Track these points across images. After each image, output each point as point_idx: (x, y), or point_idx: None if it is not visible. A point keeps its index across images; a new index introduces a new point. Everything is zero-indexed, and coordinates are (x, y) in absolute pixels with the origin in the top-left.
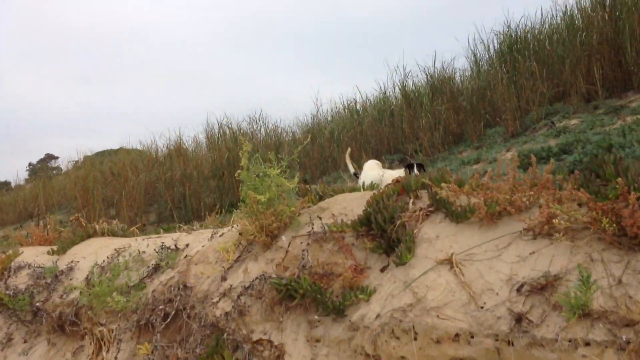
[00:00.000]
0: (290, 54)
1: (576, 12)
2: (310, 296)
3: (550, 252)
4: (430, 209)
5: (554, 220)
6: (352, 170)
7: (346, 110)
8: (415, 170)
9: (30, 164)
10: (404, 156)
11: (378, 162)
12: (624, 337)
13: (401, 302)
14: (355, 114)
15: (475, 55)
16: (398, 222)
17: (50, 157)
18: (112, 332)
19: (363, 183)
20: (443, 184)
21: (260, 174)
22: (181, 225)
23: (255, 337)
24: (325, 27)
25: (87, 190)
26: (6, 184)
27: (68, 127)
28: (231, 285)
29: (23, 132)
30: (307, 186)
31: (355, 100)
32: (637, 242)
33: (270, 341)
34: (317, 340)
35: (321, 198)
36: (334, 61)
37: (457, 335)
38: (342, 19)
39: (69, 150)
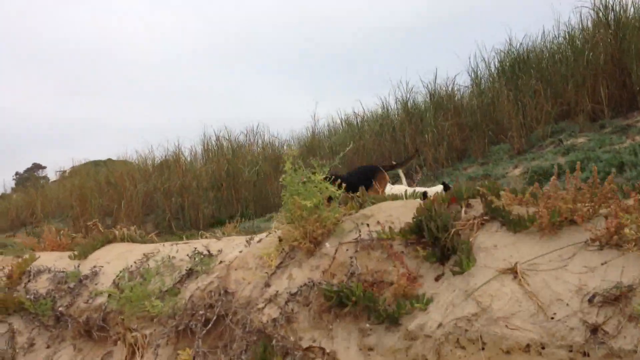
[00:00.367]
0: (284, 71)
1: (578, 32)
2: (362, 304)
3: (620, 263)
4: (485, 217)
5: (624, 231)
6: None
7: (344, 124)
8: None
9: (17, 173)
10: (407, 171)
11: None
12: None
13: (464, 311)
14: (357, 127)
15: (476, 72)
16: (452, 231)
17: (37, 167)
18: (146, 337)
19: (406, 191)
20: (502, 192)
21: (304, 179)
22: (180, 233)
23: (304, 344)
24: (319, 44)
25: (85, 199)
26: None
27: (55, 138)
28: (277, 292)
29: (9, 143)
30: (350, 194)
31: (356, 114)
32: None
33: (321, 348)
34: (370, 349)
35: (361, 206)
36: (329, 78)
37: (527, 345)
38: (336, 36)
39: (56, 161)
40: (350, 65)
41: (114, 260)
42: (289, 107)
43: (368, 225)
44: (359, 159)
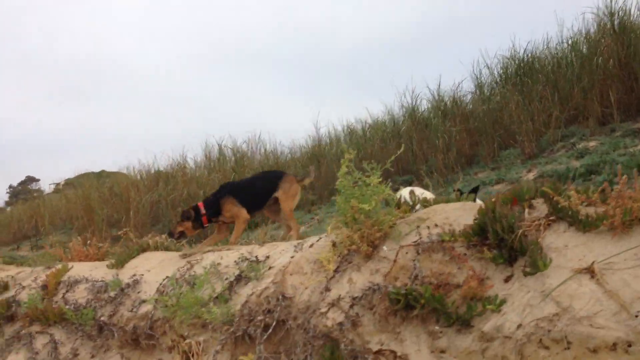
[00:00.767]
0: (284, 79)
1: (582, 38)
2: (430, 306)
3: None
4: (551, 218)
5: None
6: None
7: (345, 131)
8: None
9: (10, 186)
10: (414, 178)
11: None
12: None
13: (544, 311)
14: (362, 135)
15: (479, 79)
16: (519, 232)
17: (31, 180)
18: (200, 344)
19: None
20: (571, 192)
21: (360, 182)
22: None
23: (372, 347)
24: (321, 52)
25: (91, 210)
26: None
27: (48, 149)
28: (339, 296)
29: (2, 155)
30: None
31: (363, 121)
32: None
33: (392, 351)
34: (442, 351)
35: (412, 208)
36: (331, 86)
37: (614, 344)
38: (338, 44)
39: (50, 173)
40: (352, 73)
41: (154, 268)
42: (290, 115)
43: (429, 227)
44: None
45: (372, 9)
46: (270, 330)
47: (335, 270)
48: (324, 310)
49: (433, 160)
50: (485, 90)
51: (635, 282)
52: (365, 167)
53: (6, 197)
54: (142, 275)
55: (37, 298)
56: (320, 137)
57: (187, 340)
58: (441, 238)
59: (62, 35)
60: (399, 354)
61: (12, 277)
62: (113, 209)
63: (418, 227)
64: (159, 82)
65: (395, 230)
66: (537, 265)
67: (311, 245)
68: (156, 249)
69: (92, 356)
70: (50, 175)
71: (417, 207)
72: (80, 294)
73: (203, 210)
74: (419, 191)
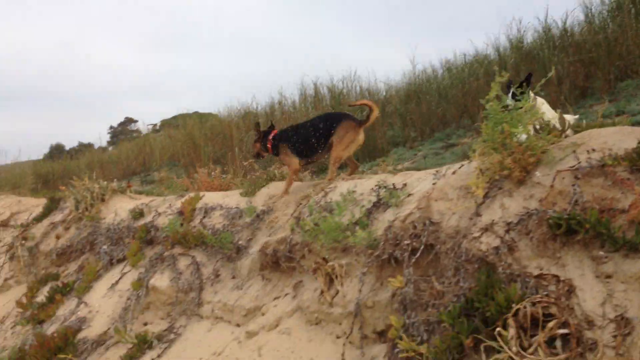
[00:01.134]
0: (372, 17)
1: None
2: (595, 231)
3: None
4: None
5: None
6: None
7: (444, 66)
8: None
9: (111, 127)
10: None
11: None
12: None
13: None
14: (462, 70)
15: (589, 8)
16: None
17: (129, 121)
18: (343, 267)
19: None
20: None
21: (510, 107)
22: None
23: (532, 272)
24: None
25: (196, 147)
26: (89, 145)
27: (145, 92)
28: (492, 220)
29: (103, 98)
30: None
31: (463, 56)
32: None
33: (555, 276)
34: (609, 277)
35: (561, 133)
36: (428, 21)
37: None
38: None
39: (146, 114)
40: (452, 5)
41: (287, 196)
42: (386, 53)
43: (587, 152)
44: (472, 101)
45: None
46: (417, 254)
47: (485, 196)
48: (476, 234)
49: (544, 93)
50: (597, 20)
51: None
52: (515, 92)
53: (107, 138)
54: (275, 202)
55: (176, 223)
56: (416, 73)
57: (330, 263)
58: (602, 162)
59: None
60: (562, 278)
61: (146, 204)
62: (216, 147)
63: (574, 151)
64: (254, 27)
65: (549, 155)
66: None
67: (454, 172)
68: (282, 179)
69: (233, 277)
70: (147, 117)
71: (568, 132)
72: (217, 220)
73: (270, 138)
74: (569, 117)
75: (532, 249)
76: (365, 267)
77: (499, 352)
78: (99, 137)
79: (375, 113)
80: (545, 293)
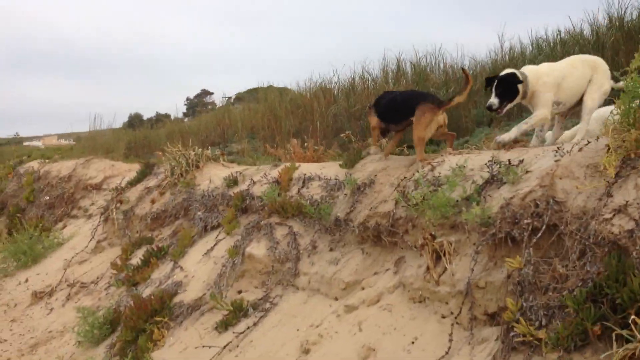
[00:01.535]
0: None
1: None
2: None
3: None
4: None
5: None
6: None
7: (534, 44)
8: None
9: (187, 99)
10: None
11: None
12: None
13: None
14: (552, 48)
15: None
16: None
17: (205, 93)
18: (451, 244)
19: None
20: None
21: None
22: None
23: None
24: None
25: (277, 119)
26: (166, 116)
27: (221, 65)
28: (626, 202)
29: (180, 72)
30: None
31: (556, 33)
32: None
33: None
34: None
35: None
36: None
37: None
38: None
39: (221, 86)
40: None
41: (384, 169)
42: (471, 31)
43: None
44: None
45: None
46: (539, 235)
47: (616, 175)
48: (607, 216)
49: None
50: None
51: None
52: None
53: (184, 109)
54: (376, 175)
55: (274, 192)
56: (504, 50)
57: (438, 240)
58: None
59: None
60: None
61: (240, 173)
62: (296, 120)
63: None
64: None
65: None
66: None
67: (580, 149)
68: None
69: (331, 249)
70: (223, 89)
71: None
72: (314, 191)
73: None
74: None
75: None
76: (479, 246)
77: (628, 341)
78: (176, 108)
79: (465, 94)
80: None
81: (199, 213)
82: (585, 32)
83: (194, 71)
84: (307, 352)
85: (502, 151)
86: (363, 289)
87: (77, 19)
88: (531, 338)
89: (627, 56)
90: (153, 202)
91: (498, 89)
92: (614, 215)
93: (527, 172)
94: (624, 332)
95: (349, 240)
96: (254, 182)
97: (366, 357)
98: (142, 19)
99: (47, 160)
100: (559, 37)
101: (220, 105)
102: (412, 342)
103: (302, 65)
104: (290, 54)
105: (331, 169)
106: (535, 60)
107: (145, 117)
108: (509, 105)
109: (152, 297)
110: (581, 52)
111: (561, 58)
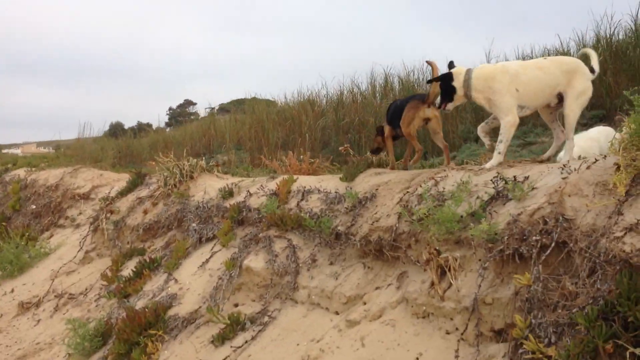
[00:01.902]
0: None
1: None
2: None
3: None
4: None
5: None
6: None
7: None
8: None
9: (170, 108)
10: (606, 113)
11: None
12: None
13: None
14: None
15: None
16: None
17: (188, 103)
18: (457, 260)
19: None
20: None
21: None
22: None
23: None
24: None
25: (265, 131)
26: (149, 125)
27: (206, 75)
28: (637, 220)
29: (164, 79)
30: None
31: (543, 51)
32: None
33: None
34: None
35: None
36: (504, 15)
37: None
38: None
39: (204, 97)
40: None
41: (385, 183)
42: (459, 47)
43: None
44: None
45: None
46: (548, 252)
47: (626, 194)
48: (619, 234)
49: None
50: None
51: None
52: None
53: (166, 119)
54: (377, 189)
55: (273, 204)
56: None
57: (444, 255)
58: None
59: None
60: None
61: (236, 184)
62: (283, 132)
63: None
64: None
65: None
66: None
67: (588, 167)
68: (379, 165)
69: (331, 263)
70: (206, 99)
71: None
72: (314, 204)
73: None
74: None
75: None
76: (486, 262)
77: None
78: (158, 117)
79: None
80: None
81: (194, 224)
82: (572, 50)
83: (177, 80)
84: None
85: (505, 166)
86: (365, 303)
87: (59, 25)
88: (541, 355)
89: (614, 75)
90: (145, 212)
91: (441, 88)
92: (625, 233)
93: (533, 188)
94: (637, 351)
95: (350, 254)
96: (251, 194)
97: None
98: (127, 27)
99: (33, 169)
100: (546, 54)
101: (204, 115)
102: (417, 358)
103: (289, 75)
104: (277, 64)
105: (330, 182)
106: None
107: (126, 126)
108: (450, 104)
109: (146, 309)
110: None
111: None
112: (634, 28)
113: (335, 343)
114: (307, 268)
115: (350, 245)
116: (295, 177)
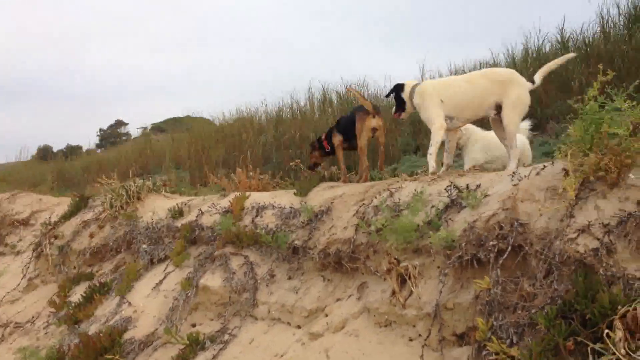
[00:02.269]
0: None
1: None
2: None
3: None
4: None
5: None
6: None
7: (452, 73)
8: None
9: (100, 129)
10: (537, 123)
11: None
12: None
13: None
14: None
15: (605, 19)
16: None
17: (120, 123)
18: (416, 268)
19: None
20: None
21: (607, 107)
22: None
23: (634, 274)
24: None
25: (204, 150)
26: (78, 147)
27: (136, 95)
28: (588, 222)
29: (94, 99)
30: None
31: (475, 65)
32: None
33: None
34: None
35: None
36: (436, 29)
37: None
38: None
39: (136, 117)
40: (462, 14)
41: (340, 196)
42: (397, 62)
43: None
44: None
45: None
46: (505, 256)
47: (576, 197)
48: (572, 236)
49: (561, 104)
50: (612, 32)
51: None
52: (610, 92)
53: (96, 140)
54: (332, 202)
55: (228, 222)
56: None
57: (403, 264)
58: None
59: None
60: None
61: (185, 203)
62: (223, 150)
63: None
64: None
65: None
66: None
67: (538, 173)
68: (331, 179)
69: (289, 277)
70: (139, 119)
71: None
72: (269, 219)
73: (324, 139)
74: None
75: (631, 251)
76: (445, 269)
77: (600, 355)
78: (88, 139)
79: (366, 102)
80: None
81: (144, 246)
82: (502, 62)
83: (106, 101)
84: None
85: (456, 176)
86: (327, 315)
87: None
88: (504, 356)
89: (543, 85)
90: (91, 236)
91: (395, 99)
92: (579, 235)
93: (485, 196)
94: (597, 346)
95: (309, 268)
96: (203, 213)
97: None
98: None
99: None
100: (478, 67)
101: (137, 135)
102: None
103: (228, 92)
104: (213, 81)
105: (284, 197)
106: None
107: (55, 149)
108: (404, 114)
109: (100, 334)
110: None
111: None
112: (559, 39)
113: (299, 357)
114: (266, 284)
115: (309, 259)
116: (247, 194)
